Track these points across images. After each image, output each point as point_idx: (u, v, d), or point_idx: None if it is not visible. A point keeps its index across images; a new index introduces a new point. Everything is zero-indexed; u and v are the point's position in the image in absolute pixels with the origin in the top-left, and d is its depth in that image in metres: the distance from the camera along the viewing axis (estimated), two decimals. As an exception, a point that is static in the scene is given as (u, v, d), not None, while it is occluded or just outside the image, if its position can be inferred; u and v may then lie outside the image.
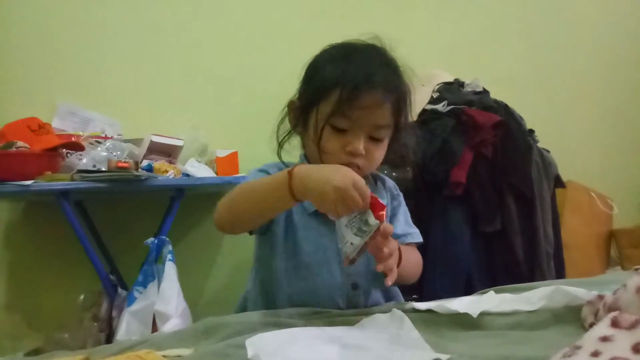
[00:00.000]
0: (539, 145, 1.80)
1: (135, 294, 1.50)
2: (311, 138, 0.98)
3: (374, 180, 1.10)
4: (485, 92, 1.81)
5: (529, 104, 1.91)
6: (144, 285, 1.51)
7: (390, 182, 1.13)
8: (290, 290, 0.98)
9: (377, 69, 0.94)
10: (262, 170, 1.04)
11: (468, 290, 1.55)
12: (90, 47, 1.90)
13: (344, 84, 0.91)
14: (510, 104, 1.79)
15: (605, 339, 0.48)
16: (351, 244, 0.79)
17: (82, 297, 1.68)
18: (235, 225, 0.94)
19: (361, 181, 0.78)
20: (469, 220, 1.67)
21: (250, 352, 0.61)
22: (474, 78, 1.82)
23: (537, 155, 1.74)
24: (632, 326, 0.47)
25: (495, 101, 1.77)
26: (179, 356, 0.70)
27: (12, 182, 1.44)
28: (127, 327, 1.41)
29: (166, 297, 1.43)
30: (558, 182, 1.80)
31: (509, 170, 1.68)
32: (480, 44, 2.22)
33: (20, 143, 1.51)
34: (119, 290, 1.61)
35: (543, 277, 1.69)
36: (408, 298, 1.19)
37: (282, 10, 2.09)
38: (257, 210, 0.90)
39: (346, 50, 0.99)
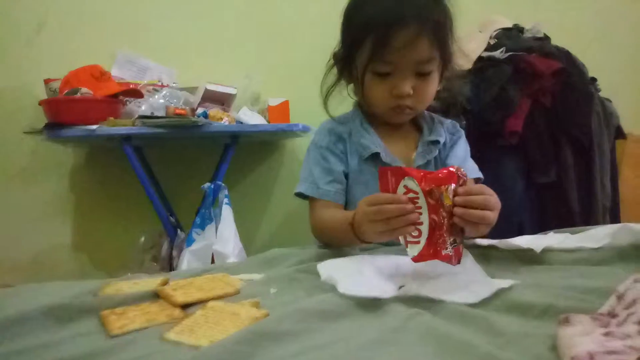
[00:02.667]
0: (601, 94, 1.73)
1: (194, 235, 1.57)
2: (357, 88, 0.97)
3: (430, 119, 1.07)
4: (546, 38, 1.74)
5: (592, 52, 1.82)
6: (202, 227, 1.58)
7: (448, 121, 1.10)
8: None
9: (407, 1, 0.89)
10: (319, 147, 1.01)
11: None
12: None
13: (376, 26, 0.88)
14: (573, 52, 1.71)
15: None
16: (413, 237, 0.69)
17: (142, 238, 1.78)
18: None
19: (375, 196, 0.73)
20: (522, 172, 1.64)
21: (323, 275, 0.64)
22: (534, 23, 1.74)
23: (598, 104, 1.67)
24: None
25: (557, 47, 1.70)
26: (251, 279, 0.74)
27: (78, 127, 1.51)
28: (188, 265, 1.48)
29: (224, 238, 1.49)
30: (619, 133, 1.73)
31: (568, 119, 1.63)
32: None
33: (84, 89, 1.57)
34: (178, 232, 1.68)
35: (598, 231, 1.65)
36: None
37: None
38: (344, 243, 0.88)
39: None
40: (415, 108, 0.97)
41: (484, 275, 0.68)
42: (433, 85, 0.96)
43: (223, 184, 1.61)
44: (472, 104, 1.64)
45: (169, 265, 1.66)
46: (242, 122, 1.76)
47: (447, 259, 0.67)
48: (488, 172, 1.68)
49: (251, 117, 1.80)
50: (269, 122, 1.85)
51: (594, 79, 1.71)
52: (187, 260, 1.47)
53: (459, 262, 0.68)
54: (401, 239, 0.70)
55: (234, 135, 1.68)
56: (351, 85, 1.03)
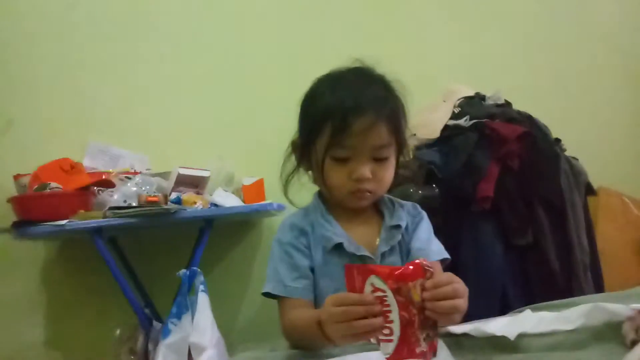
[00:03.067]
0: (567, 153, 1.77)
1: (170, 326, 1.51)
2: (316, 174, 0.99)
3: (391, 203, 1.08)
4: (507, 104, 1.80)
5: (554, 112, 1.88)
6: (178, 317, 1.53)
7: (408, 204, 1.10)
8: None
9: (363, 90, 0.94)
10: (281, 244, 1.01)
11: (504, 307, 1.52)
12: (114, 86, 1.96)
13: (333, 114, 0.91)
14: (535, 114, 1.77)
15: (648, 361, 0.46)
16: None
17: (118, 331, 1.71)
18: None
19: (341, 296, 0.71)
20: (500, 235, 1.64)
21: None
22: (495, 90, 1.80)
23: (565, 164, 1.71)
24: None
25: (519, 112, 1.75)
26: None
27: (47, 223, 1.48)
28: (164, 359, 1.42)
29: (200, 328, 1.43)
30: (589, 190, 1.76)
31: (537, 181, 1.65)
32: (498, 55, 2.21)
33: (53, 184, 1.56)
34: (154, 323, 1.62)
35: (580, 288, 1.64)
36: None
37: (305, 36, 2.12)
38: (314, 345, 0.86)
39: (331, 80, 1.00)
40: (375, 192, 0.98)
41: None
42: (390, 170, 0.98)
43: (198, 270, 1.58)
44: (442, 171, 1.66)
45: (146, 359, 1.59)
46: (216, 204, 1.75)
47: (422, 356, 0.65)
48: (467, 238, 1.70)
49: (226, 198, 1.79)
50: (244, 201, 1.84)
51: (558, 140, 1.76)
52: (162, 355, 1.41)
53: (434, 356, 0.66)
54: (372, 339, 0.68)
55: (207, 219, 1.66)
56: (310, 173, 1.05)
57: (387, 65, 2.03)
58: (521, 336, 0.72)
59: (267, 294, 0.98)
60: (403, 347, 0.65)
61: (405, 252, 1.01)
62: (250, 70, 2.06)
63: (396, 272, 0.66)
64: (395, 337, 0.66)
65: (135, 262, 1.86)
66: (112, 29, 1.98)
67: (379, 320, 0.66)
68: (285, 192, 1.06)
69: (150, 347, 1.58)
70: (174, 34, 2.04)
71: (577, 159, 1.78)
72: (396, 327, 0.65)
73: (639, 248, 2.12)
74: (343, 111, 0.91)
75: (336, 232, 0.98)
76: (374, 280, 0.66)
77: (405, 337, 0.65)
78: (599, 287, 1.72)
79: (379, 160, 0.95)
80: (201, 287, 1.55)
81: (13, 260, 1.80)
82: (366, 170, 0.93)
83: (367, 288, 0.67)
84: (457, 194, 1.64)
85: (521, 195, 1.65)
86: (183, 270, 1.57)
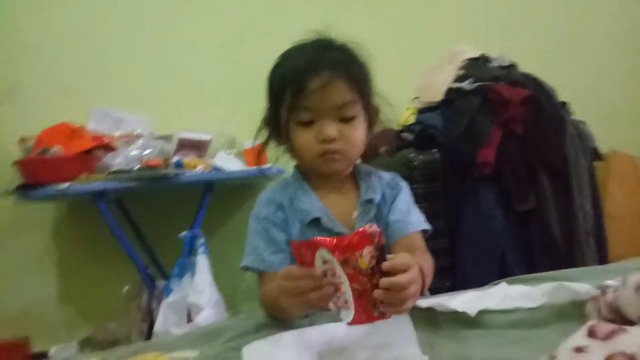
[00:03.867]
0: (575, 117, 1.71)
1: (172, 285, 1.57)
2: (286, 143, 0.98)
3: (367, 175, 1.05)
4: (512, 66, 1.73)
5: (562, 74, 1.81)
6: (180, 277, 1.58)
7: (387, 176, 1.07)
8: None
9: (319, 54, 0.93)
10: (258, 218, 1.01)
11: (503, 273, 1.52)
12: (117, 50, 1.97)
13: (291, 79, 0.92)
14: (542, 76, 1.70)
15: (579, 349, 0.46)
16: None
17: (126, 288, 1.78)
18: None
19: (289, 270, 0.72)
20: (501, 201, 1.62)
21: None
22: (500, 52, 1.74)
23: (571, 128, 1.66)
24: (607, 337, 0.46)
25: (524, 74, 1.69)
26: (185, 358, 0.73)
27: (50, 186, 1.53)
28: (164, 318, 1.48)
29: (199, 288, 1.49)
30: (596, 155, 1.71)
31: (541, 146, 1.61)
32: (508, 14, 2.11)
33: (55, 148, 1.59)
34: (158, 282, 1.68)
35: (582, 255, 1.62)
36: (441, 284, 1.17)
37: (304, 5, 2.07)
38: (285, 315, 0.87)
39: (291, 50, 0.99)
40: (345, 153, 0.96)
41: (414, 343, 0.67)
42: (359, 130, 0.96)
43: (199, 231, 1.61)
44: (443, 136, 1.63)
45: (150, 316, 1.66)
46: (218, 168, 1.77)
47: (382, 318, 0.67)
48: (468, 203, 1.68)
49: (227, 162, 1.81)
50: (246, 164, 1.85)
51: (564, 103, 1.70)
52: (162, 313, 1.47)
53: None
54: (332, 306, 0.69)
55: (208, 183, 1.68)
56: (284, 148, 1.03)
57: (395, 24, 1.98)
58: (484, 312, 0.72)
59: (245, 268, 0.99)
60: (361, 313, 0.66)
61: (384, 225, 1.00)
62: (253, 33, 2.03)
63: (342, 243, 0.65)
64: (351, 306, 0.67)
65: (141, 223, 1.91)
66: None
67: (328, 291, 0.67)
68: (258, 160, 1.13)
69: (154, 304, 1.64)
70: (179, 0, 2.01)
71: (584, 123, 1.72)
72: (349, 296, 0.66)
73: (650, 212, 2.08)
74: (299, 74, 0.91)
75: (314, 205, 0.98)
76: (322, 252, 0.67)
77: (360, 305, 0.66)
78: (602, 255, 1.70)
79: (345, 120, 0.93)
80: (201, 248, 1.60)
81: (23, 220, 1.86)
82: (331, 129, 0.91)
83: (317, 261, 0.68)
84: (458, 159, 1.61)
85: (524, 160, 1.61)
86: (184, 232, 1.62)
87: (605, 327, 0.46)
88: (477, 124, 1.61)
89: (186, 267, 1.59)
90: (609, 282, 0.73)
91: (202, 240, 1.61)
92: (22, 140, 1.71)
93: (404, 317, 0.72)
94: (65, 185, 1.52)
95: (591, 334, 0.47)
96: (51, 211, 1.91)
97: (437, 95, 1.71)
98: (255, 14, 2.05)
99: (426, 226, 1.00)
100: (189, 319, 1.49)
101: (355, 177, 1.03)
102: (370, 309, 0.66)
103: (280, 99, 0.94)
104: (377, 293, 0.65)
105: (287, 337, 0.71)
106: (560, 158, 1.63)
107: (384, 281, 0.66)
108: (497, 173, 1.60)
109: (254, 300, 1.98)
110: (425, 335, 0.70)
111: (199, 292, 1.50)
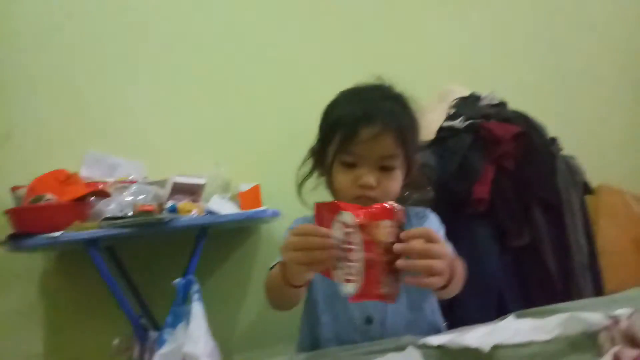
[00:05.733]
0: (564, 152, 1.74)
1: (165, 335, 1.52)
2: (326, 178, 1.05)
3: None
4: (502, 103, 1.78)
5: (551, 110, 1.86)
6: (174, 326, 1.53)
7: (418, 209, 1.17)
8: (323, 325, 1.04)
9: (376, 103, 0.99)
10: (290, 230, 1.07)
11: (501, 310, 1.50)
12: (110, 95, 1.97)
13: (344, 123, 0.98)
14: (531, 113, 1.75)
15: (607, 378, 0.45)
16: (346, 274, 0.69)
17: (116, 341, 1.72)
18: (283, 309, 1.00)
19: (301, 226, 0.75)
20: (496, 237, 1.63)
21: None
22: (490, 90, 1.79)
23: (561, 163, 1.69)
24: (634, 363, 0.45)
25: (514, 112, 1.74)
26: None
27: (42, 235, 1.50)
28: (159, 369, 1.42)
29: (194, 337, 1.44)
30: (586, 189, 1.73)
31: (533, 181, 1.64)
32: (495, 54, 2.19)
33: (48, 195, 1.57)
34: (150, 332, 1.63)
35: (578, 289, 1.62)
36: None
37: (300, 44, 2.12)
38: (285, 302, 0.96)
39: (349, 92, 1.06)
40: (379, 201, 0.98)
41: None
42: (396, 181, 1.00)
43: (193, 278, 1.58)
44: (437, 174, 1.65)
45: (143, 368, 1.60)
46: (212, 212, 1.75)
47: (383, 298, 0.66)
48: (463, 240, 1.67)
49: (222, 206, 1.79)
50: (240, 208, 1.84)
51: (554, 139, 1.74)
52: (157, 364, 1.42)
53: (394, 301, 0.68)
54: (338, 274, 0.69)
55: (203, 227, 1.66)
56: (324, 179, 1.10)
57: (384, 65, 2.03)
58: (498, 347, 0.71)
59: (271, 268, 1.02)
60: (366, 287, 0.66)
61: None
62: (247, 78, 2.06)
63: (364, 209, 0.67)
64: (358, 278, 0.66)
65: (133, 271, 1.87)
66: (109, 38, 1.99)
67: (335, 252, 0.68)
68: (299, 194, 1.13)
69: (146, 357, 1.58)
70: (170, 41, 2.04)
71: (574, 158, 1.75)
72: (359, 265, 0.66)
73: (641, 246, 2.10)
74: (353, 121, 0.97)
75: None
76: (343, 216, 0.67)
77: (368, 277, 0.65)
78: (598, 288, 1.70)
79: (385, 169, 0.98)
80: (196, 295, 1.56)
81: (12, 272, 1.81)
82: (371, 178, 0.96)
83: (336, 225, 0.68)
84: (452, 196, 1.62)
85: (517, 196, 1.63)
86: (178, 279, 1.58)
87: (630, 353, 0.46)
88: (469, 161, 1.63)
89: (180, 316, 1.54)
90: (618, 311, 0.73)
91: (196, 287, 1.58)
92: (14, 189, 1.69)
93: (414, 353, 0.71)
94: (58, 233, 1.49)
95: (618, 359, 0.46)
96: (39, 261, 1.86)
97: (429, 134, 1.74)
98: (252, 53, 2.08)
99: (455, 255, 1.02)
100: (185, 370, 1.44)
101: None
102: (377, 284, 0.66)
103: (330, 138, 1.01)
104: (399, 263, 0.65)
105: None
106: (552, 193, 1.65)
107: (398, 246, 0.67)
108: (491, 210, 1.61)
109: (247, 349, 1.93)
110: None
111: (194, 341, 1.45)
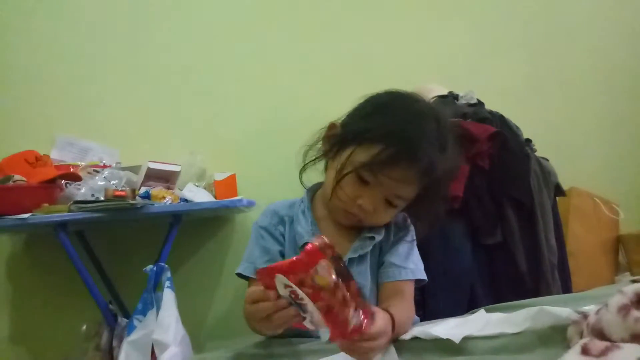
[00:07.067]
0: (538, 154, 1.78)
1: (135, 322, 1.49)
2: (335, 171, 0.97)
3: None
4: (480, 103, 1.80)
5: (526, 113, 1.89)
6: (144, 313, 1.51)
7: (400, 217, 1.10)
8: None
9: (426, 145, 0.92)
10: (259, 228, 1.06)
11: (472, 305, 1.52)
12: (85, 78, 1.93)
13: (388, 145, 0.90)
14: (507, 114, 1.78)
15: (574, 367, 0.46)
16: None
17: (84, 327, 1.69)
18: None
19: (250, 293, 0.74)
20: (469, 234, 1.65)
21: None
22: (468, 90, 1.80)
23: (535, 164, 1.72)
24: (601, 354, 0.46)
25: (491, 112, 1.76)
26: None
27: (9, 216, 1.45)
28: (126, 357, 1.40)
29: (164, 325, 1.42)
30: (558, 191, 1.77)
31: (507, 181, 1.66)
32: (474, 55, 2.20)
33: (17, 177, 1.52)
34: (120, 319, 1.60)
35: (548, 288, 1.66)
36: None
37: (275, 34, 2.09)
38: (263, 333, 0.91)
39: (408, 108, 0.97)
40: (364, 222, 1.00)
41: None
42: (391, 215, 1.00)
43: (165, 265, 1.56)
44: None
45: (110, 356, 1.57)
46: (186, 199, 1.73)
47: (358, 331, 0.66)
48: (437, 236, 1.70)
49: (196, 194, 1.77)
50: (215, 197, 1.82)
51: (529, 140, 1.77)
52: (125, 352, 1.40)
53: (373, 320, 0.68)
54: (309, 325, 0.68)
55: (176, 214, 1.64)
56: (329, 163, 1.05)
57: (362, 63, 2.03)
58: (467, 339, 0.72)
59: (238, 275, 1.02)
60: (335, 330, 0.66)
61: (380, 263, 1.02)
62: (225, 67, 2.04)
63: (294, 265, 0.64)
64: (323, 323, 0.66)
65: (103, 256, 1.84)
66: (84, 23, 1.95)
67: (290, 312, 0.68)
68: (302, 170, 1.06)
69: (115, 343, 1.56)
70: (146, 28, 2.00)
71: (547, 160, 1.79)
72: (317, 315, 0.65)
73: (609, 248, 2.15)
74: (397, 151, 0.90)
75: (308, 230, 0.99)
76: (280, 277, 0.66)
77: (332, 321, 0.65)
78: (566, 288, 1.74)
79: (389, 203, 0.97)
80: (167, 283, 1.54)
81: (-22, 254, 1.76)
82: (371, 206, 0.94)
83: (279, 286, 0.67)
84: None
85: (491, 194, 1.65)
86: (150, 266, 1.56)
87: (598, 345, 0.47)
88: (446, 159, 1.65)
89: (151, 303, 1.52)
90: (586, 307, 0.74)
91: (168, 274, 1.56)
92: (-19, 169, 1.64)
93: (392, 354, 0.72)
94: (26, 215, 1.45)
95: (585, 351, 0.47)
96: (7, 245, 1.81)
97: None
98: (228, 43, 2.05)
99: (421, 276, 1.02)
100: (153, 358, 1.42)
101: None
102: (344, 324, 0.65)
103: (365, 142, 0.93)
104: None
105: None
106: (525, 193, 1.68)
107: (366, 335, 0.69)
108: (465, 207, 1.63)
109: (219, 338, 1.91)
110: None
111: (164, 328, 1.43)
